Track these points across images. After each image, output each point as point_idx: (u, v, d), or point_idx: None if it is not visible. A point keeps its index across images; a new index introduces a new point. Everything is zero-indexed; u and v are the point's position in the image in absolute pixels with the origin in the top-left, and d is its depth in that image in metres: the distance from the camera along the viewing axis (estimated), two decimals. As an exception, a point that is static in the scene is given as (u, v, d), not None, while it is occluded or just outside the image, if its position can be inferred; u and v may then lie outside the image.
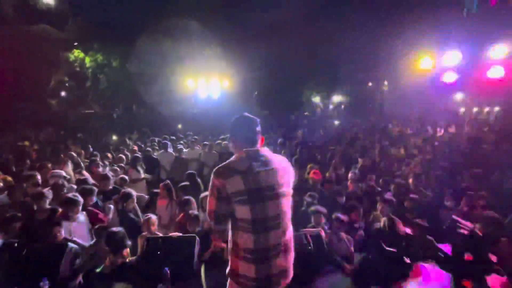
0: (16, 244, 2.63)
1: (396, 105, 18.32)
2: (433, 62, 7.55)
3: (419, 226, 3.11)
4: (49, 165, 4.69)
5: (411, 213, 3.36)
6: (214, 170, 1.58)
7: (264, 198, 1.53)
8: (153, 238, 2.80)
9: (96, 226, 3.01)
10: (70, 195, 3.05)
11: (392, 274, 2.60)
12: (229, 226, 1.62)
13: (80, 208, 3.01)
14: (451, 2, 11.52)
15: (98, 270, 2.74)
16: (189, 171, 4.91)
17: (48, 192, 3.52)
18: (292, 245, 1.68)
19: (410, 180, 4.22)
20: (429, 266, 2.77)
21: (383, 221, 3.22)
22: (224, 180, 1.51)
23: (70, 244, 2.59)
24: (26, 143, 6.94)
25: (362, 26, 15.87)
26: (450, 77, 7.72)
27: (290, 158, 5.47)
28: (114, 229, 2.63)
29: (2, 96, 11.65)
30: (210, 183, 1.58)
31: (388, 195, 3.68)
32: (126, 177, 4.65)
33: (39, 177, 3.99)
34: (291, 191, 1.67)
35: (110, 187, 4.17)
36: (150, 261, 2.67)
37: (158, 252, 2.64)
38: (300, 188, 3.96)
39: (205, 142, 6.91)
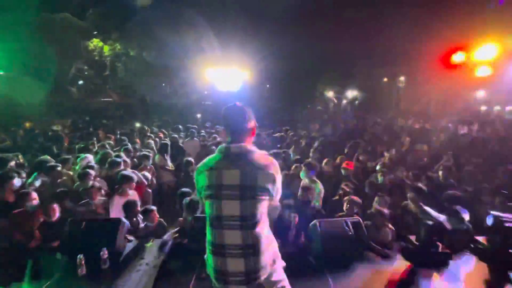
0: (73, 220, 2.78)
1: (413, 102, 17.99)
2: (466, 56, 7.35)
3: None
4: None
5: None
6: None
7: (222, 197, 1.50)
8: (198, 217, 2.91)
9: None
10: (125, 172, 3.24)
11: (430, 262, 2.66)
12: None
13: (134, 184, 3.19)
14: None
15: (147, 245, 2.90)
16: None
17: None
18: (261, 250, 1.51)
19: (440, 173, 4.22)
20: (466, 258, 2.81)
21: (413, 208, 3.27)
22: (197, 176, 1.62)
23: (123, 219, 2.73)
24: (57, 127, 7.19)
25: (379, 19, 15.48)
26: (484, 71, 7.50)
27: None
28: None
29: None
30: None
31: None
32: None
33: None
34: (266, 195, 1.52)
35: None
36: (196, 238, 2.79)
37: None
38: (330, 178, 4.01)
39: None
